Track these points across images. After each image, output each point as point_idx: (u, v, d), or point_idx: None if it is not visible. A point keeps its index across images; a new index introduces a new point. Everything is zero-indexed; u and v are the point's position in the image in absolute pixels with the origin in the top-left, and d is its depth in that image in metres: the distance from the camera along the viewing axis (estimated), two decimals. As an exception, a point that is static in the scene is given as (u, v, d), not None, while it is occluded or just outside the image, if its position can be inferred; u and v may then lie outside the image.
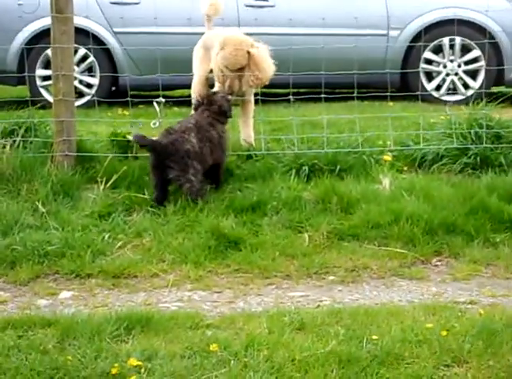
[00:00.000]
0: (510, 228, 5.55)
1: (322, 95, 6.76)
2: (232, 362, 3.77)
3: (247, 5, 9.53)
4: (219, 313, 4.50)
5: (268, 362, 3.74)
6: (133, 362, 3.75)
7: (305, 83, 8.41)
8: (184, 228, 5.53)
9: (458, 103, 9.07)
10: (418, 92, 7.39)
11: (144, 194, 5.96)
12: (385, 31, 9.52)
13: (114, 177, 6.10)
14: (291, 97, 6.72)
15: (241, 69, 6.39)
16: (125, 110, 8.53)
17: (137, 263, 5.19)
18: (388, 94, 7.11)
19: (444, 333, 3.97)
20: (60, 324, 4.20)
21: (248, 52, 6.34)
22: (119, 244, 5.42)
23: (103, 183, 6.06)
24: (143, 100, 7.46)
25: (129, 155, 6.42)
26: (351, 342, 3.92)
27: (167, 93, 9.00)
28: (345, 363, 3.71)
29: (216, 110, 6.10)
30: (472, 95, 9.09)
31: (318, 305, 4.60)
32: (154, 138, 5.82)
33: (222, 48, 6.38)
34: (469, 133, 6.53)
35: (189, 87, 9.09)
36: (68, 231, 5.47)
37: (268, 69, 6.41)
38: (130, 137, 6.49)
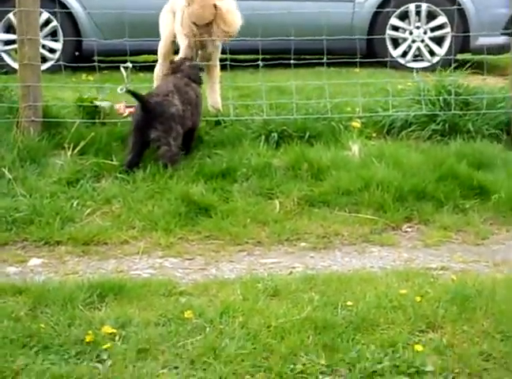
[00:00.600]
0: (479, 195, 5.59)
1: (292, 61, 6.70)
2: (207, 328, 3.75)
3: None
4: (191, 280, 4.47)
5: (243, 328, 3.73)
6: (108, 329, 3.72)
7: (271, 49, 8.35)
8: (154, 195, 5.48)
9: (424, 69, 9.05)
10: (387, 59, 7.37)
11: (112, 160, 5.89)
12: (351, -3, 9.47)
13: (82, 143, 6.01)
14: (260, 62, 6.64)
15: (208, 24, 6.33)
16: (89, 76, 8.39)
17: (106, 230, 5.14)
18: (357, 60, 7.04)
19: (418, 299, 3.99)
20: (31, 291, 4.15)
21: (215, 6, 6.27)
22: (88, 211, 5.36)
23: (71, 149, 5.97)
24: (109, 65, 7.32)
25: (97, 120, 6.32)
26: (326, 308, 3.92)
27: (132, 58, 8.87)
28: (321, 329, 3.71)
29: (188, 71, 6.10)
30: (438, 62, 9.10)
31: (291, 272, 4.59)
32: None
33: (189, 4, 6.30)
34: (438, 99, 6.53)
35: (155, 52, 9.01)
36: (36, 198, 5.39)
37: (235, 21, 6.34)
38: (98, 103, 6.40)
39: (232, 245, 5.02)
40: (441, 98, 6.53)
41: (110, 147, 6.07)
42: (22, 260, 4.81)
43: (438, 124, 6.44)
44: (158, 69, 6.83)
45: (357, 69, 8.64)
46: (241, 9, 6.53)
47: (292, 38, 6.80)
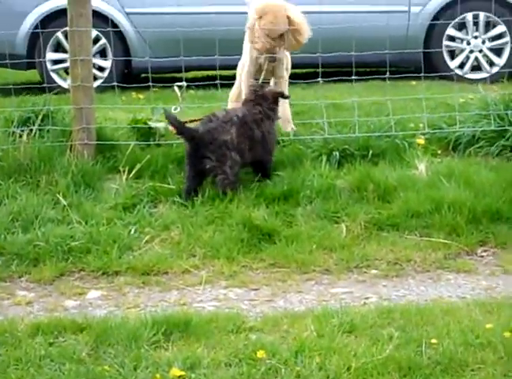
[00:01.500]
0: (558, 215, 5.27)
1: (353, 77, 6.44)
2: (283, 370, 3.50)
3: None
4: (259, 314, 4.22)
5: (322, 370, 3.47)
6: (176, 372, 3.48)
7: (324, 63, 8.07)
8: (214, 220, 5.24)
9: (483, 80, 8.75)
10: (451, 73, 7.09)
11: (169, 184, 5.66)
12: (406, 8, 9.17)
13: (138, 166, 5.78)
14: (320, 79, 6.39)
15: (281, 36, 6.12)
16: (139, 94, 8.21)
17: (166, 258, 4.92)
18: (422, 75, 6.74)
19: (507, 335, 3.69)
20: (92, 329, 3.93)
21: (288, 17, 6.08)
22: (146, 238, 5.14)
23: (126, 173, 5.75)
24: (166, 85, 7.08)
25: (152, 142, 6.10)
26: (408, 346, 3.64)
27: (181, 75, 8.70)
28: (406, 371, 3.44)
29: (271, 101, 5.75)
30: (497, 73, 8.82)
31: (365, 303, 4.33)
32: (192, 126, 5.53)
33: (261, 17, 6.09)
34: (506, 114, 6.22)
35: (204, 68, 8.84)
36: (92, 225, 5.18)
37: (307, 30, 6.16)
38: (152, 124, 6.19)
39: (299, 274, 4.77)
40: (510, 112, 6.21)
41: (166, 169, 5.84)
42: (80, 293, 4.60)
43: (508, 139, 6.13)
44: (233, 91, 6.61)
45: (413, 82, 8.39)
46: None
47: (347, 52, 6.55)
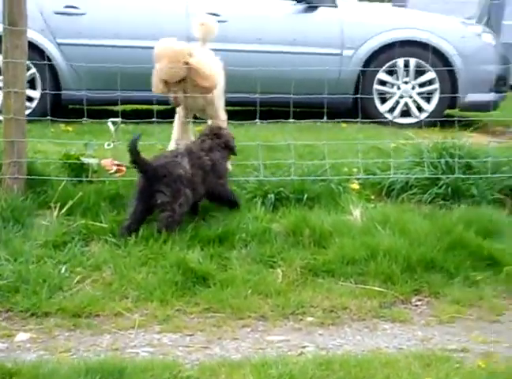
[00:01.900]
0: (490, 266, 5.33)
1: (291, 120, 6.45)
2: (223, 424, 3.42)
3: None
4: (195, 362, 4.13)
5: (263, 425, 3.40)
6: (112, 424, 3.37)
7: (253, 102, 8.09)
8: (147, 261, 5.13)
9: (411, 126, 8.86)
10: (387, 119, 7.12)
11: (101, 222, 5.53)
12: (339, 51, 9.24)
13: (69, 203, 5.64)
14: (257, 121, 6.36)
15: (181, 81, 5.95)
16: (68, 126, 8.04)
17: (98, 300, 4.79)
18: (359, 120, 6.83)
19: (447, 390, 3.69)
20: (23, 375, 3.80)
21: (186, 63, 5.87)
22: (78, 278, 5.00)
23: (57, 209, 5.60)
24: (96, 121, 6.93)
25: (84, 179, 5.96)
26: (349, 400, 3.60)
27: (109, 108, 8.64)
28: (348, 426, 3.39)
29: (223, 145, 5.75)
30: (425, 118, 8.95)
31: (302, 353, 4.27)
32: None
33: (158, 60, 5.92)
34: (439, 162, 6.28)
35: (133, 103, 8.78)
36: (21, 263, 5.02)
37: (211, 74, 5.93)
38: (85, 160, 6.06)
39: (234, 320, 4.69)
40: (443, 160, 6.27)
41: (98, 207, 5.70)
42: (8, 335, 4.44)
43: (441, 187, 6.18)
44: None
45: (344, 124, 8.42)
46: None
47: (280, 92, 6.56)
